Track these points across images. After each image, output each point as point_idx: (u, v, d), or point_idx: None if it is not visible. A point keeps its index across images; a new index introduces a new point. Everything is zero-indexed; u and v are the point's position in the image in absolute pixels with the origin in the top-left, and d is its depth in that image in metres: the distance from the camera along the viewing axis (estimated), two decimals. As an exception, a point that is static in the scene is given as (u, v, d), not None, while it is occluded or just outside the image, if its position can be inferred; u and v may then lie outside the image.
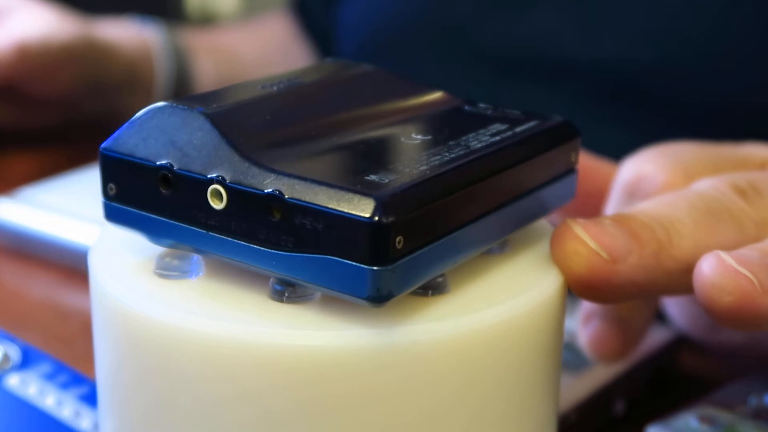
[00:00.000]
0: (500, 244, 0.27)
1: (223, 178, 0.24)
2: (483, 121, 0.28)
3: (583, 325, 0.34)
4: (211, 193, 0.24)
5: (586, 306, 0.34)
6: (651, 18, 0.48)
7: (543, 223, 0.30)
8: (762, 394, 0.34)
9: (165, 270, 0.26)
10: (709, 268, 0.25)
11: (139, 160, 0.25)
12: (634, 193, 0.33)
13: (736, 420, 0.32)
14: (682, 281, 0.27)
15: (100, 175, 0.26)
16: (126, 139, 0.25)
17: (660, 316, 0.39)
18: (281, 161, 0.24)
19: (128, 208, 0.26)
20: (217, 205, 0.24)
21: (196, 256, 0.26)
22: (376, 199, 0.22)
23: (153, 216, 0.25)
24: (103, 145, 0.26)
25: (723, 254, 0.25)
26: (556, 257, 0.27)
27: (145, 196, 0.25)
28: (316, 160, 0.25)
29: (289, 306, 0.24)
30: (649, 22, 0.48)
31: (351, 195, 0.22)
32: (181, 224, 0.25)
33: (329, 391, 0.23)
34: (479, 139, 0.26)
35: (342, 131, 0.26)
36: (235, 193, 0.24)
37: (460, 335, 0.24)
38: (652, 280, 0.27)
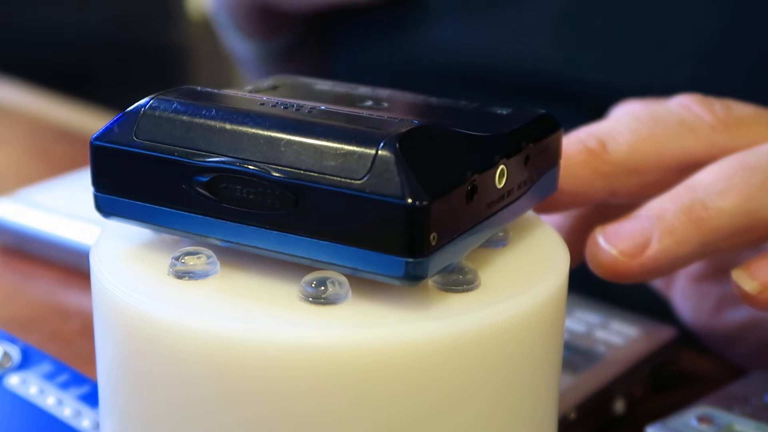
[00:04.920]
0: (501, 237, 0.28)
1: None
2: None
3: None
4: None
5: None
6: (639, 41, 0.48)
7: (534, 216, 0.30)
8: (762, 394, 0.34)
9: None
10: (589, 245, 0.31)
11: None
12: None
13: (735, 420, 0.32)
14: (626, 183, 0.32)
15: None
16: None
17: (661, 315, 0.39)
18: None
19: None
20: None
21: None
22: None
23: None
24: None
25: (598, 233, 0.30)
26: None
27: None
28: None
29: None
30: (637, 45, 0.48)
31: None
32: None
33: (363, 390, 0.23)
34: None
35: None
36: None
37: (483, 329, 0.24)
38: (592, 185, 0.31)
